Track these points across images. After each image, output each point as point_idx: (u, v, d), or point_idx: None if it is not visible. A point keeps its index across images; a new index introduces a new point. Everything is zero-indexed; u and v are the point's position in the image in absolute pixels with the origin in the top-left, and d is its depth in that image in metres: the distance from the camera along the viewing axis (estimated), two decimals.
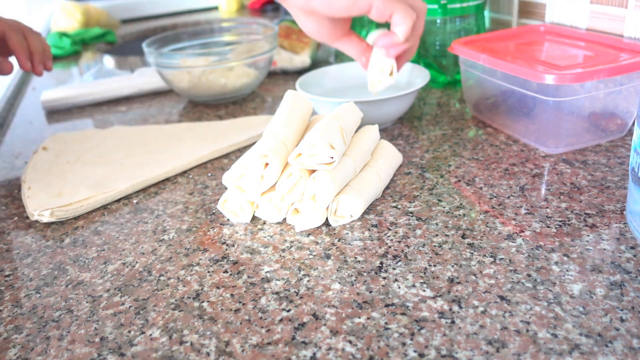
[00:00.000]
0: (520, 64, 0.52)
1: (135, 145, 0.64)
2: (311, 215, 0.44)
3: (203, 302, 0.37)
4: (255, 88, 0.85)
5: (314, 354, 0.32)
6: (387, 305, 0.35)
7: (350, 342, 0.32)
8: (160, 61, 0.76)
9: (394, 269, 0.38)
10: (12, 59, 0.64)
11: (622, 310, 0.33)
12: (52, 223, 0.50)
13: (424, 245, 0.41)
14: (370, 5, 0.48)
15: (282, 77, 0.90)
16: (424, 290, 0.36)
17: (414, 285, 0.37)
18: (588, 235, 0.40)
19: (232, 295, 0.38)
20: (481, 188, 0.48)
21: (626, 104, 0.52)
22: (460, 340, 0.32)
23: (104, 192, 0.53)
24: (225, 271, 0.40)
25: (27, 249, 0.46)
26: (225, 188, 0.53)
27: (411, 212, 0.45)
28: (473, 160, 0.53)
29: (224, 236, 0.45)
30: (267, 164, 0.44)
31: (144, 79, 0.88)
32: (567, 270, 0.36)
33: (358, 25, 0.95)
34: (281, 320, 0.35)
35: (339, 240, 0.43)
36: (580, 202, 0.44)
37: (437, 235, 0.42)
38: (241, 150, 0.62)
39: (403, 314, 0.34)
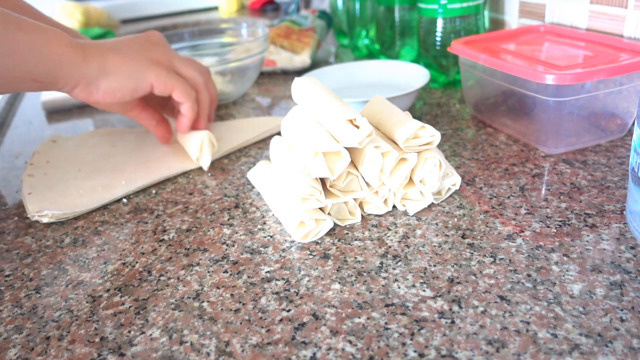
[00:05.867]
0: (520, 64, 0.52)
1: (135, 146, 0.64)
2: (422, 196, 0.45)
3: (203, 302, 0.37)
4: (248, 90, 0.84)
5: (314, 354, 0.32)
6: (387, 305, 0.35)
7: (350, 342, 0.32)
8: None
9: (394, 269, 0.38)
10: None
11: (622, 310, 0.33)
12: (52, 223, 0.50)
13: (424, 245, 0.41)
14: (152, 85, 0.54)
15: (282, 77, 0.90)
16: (424, 290, 0.36)
17: (414, 285, 0.37)
18: (588, 235, 0.40)
19: (232, 295, 0.38)
20: (481, 188, 0.48)
21: (626, 104, 0.52)
22: (460, 340, 0.32)
23: (105, 193, 0.53)
24: (225, 271, 0.40)
25: (27, 249, 0.46)
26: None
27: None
28: (473, 160, 0.53)
29: (224, 236, 0.45)
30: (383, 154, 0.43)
31: None
32: (567, 270, 0.36)
33: (358, 25, 0.95)
34: (281, 320, 0.35)
35: (339, 240, 0.43)
36: (580, 202, 0.44)
37: (437, 235, 0.42)
38: (241, 151, 0.62)
39: (403, 314, 0.34)
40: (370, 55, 0.95)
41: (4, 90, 0.48)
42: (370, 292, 0.36)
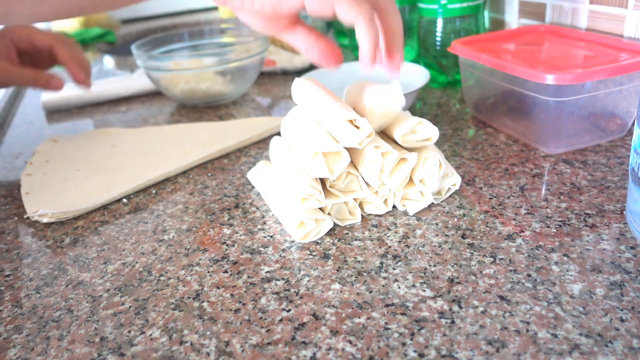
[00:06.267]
0: (520, 64, 0.52)
1: (135, 146, 0.64)
2: (422, 196, 0.45)
3: (203, 302, 0.37)
4: (248, 90, 0.84)
5: (314, 354, 0.32)
6: (387, 305, 0.35)
7: (350, 342, 0.32)
8: (148, 64, 0.75)
9: (394, 269, 0.38)
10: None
11: (622, 310, 0.33)
12: (52, 223, 0.50)
13: (424, 245, 0.41)
14: (301, 2, 0.40)
15: (282, 77, 0.90)
16: (424, 290, 0.36)
17: (414, 285, 0.37)
18: (588, 235, 0.40)
19: (232, 295, 0.38)
20: (481, 188, 0.48)
21: (626, 104, 0.52)
22: (460, 340, 0.32)
23: (105, 193, 0.53)
24: (225, 271, 0.40)
25: (27, 249, 0.46)
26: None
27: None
28: (473, 160, 0.53)
29: (224, 236, 0.45)
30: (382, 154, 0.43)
31: (144, 79, 0.88)
32: (567, 270, 0.36)
33: None
34: (281, 320, 0.35)
35: (339, 240, 0.43)
36: (580, 202, 0.44)
37: (437, 235, 0.42)
38: (241, 151, 0.62)
39: (403, 314, 0.34)
40: None
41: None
42: (370, 292, 0.36)
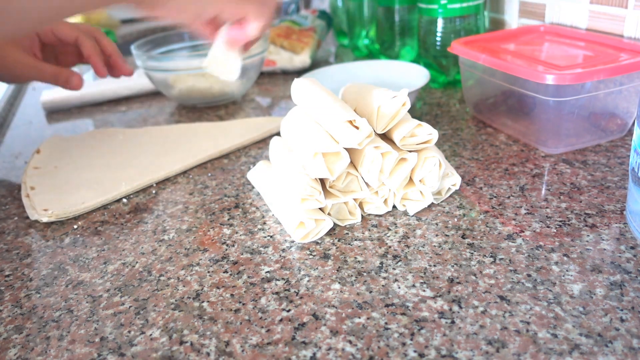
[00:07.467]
0: (520, 64, 0.52)
1: (135, 146, 0.64)
2: (422, 196, 0.45)
3: (203, 302, 0.37)
4: (248, 90, 0.84)
5: (314, 354, 0.32)
6: (387, 305, 0.35)
7: (350, 342, 0.32)
8: (148, 64, 0.75)
9: (394, 269, 0.38)
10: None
11: (622, 310, 0.33)
12: (52, 223, 0.50)
13: (424, 245, 0.41)
14: (221, 9, 0.50)
15: (282, 77, 0.90)
16: (424, 290, 0.36)
17: (414, 285, 0.37)
18: (588, 235, 0.40)
19: (232, 295, 0.38)
20: (481, 188, 0.48)
21: (626, 104, 0.52)
22: (460, 340, 0.32)
23: (105, 193, 0.53)
24: (225, 271, 0.40)
25: (27, 249, 0.46)
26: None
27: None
28: (473, 160, 0.53)
29: (224, 236, 0.45)
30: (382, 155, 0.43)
31: (144, 79, 0.88)
32: (567, 270, 0.36)
33: (358, 25, 0.95)
34: (281, 320, 0.35)
35: (339, 240, 0.43)
36: (580, 202, 0.44)
37: (437, 235, 0.42)
38: (241, 151, 0.62)
39: (403, 314, 0.34)
40: (370, 55, 0.95)
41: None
42: (370, 292, 0.36)
